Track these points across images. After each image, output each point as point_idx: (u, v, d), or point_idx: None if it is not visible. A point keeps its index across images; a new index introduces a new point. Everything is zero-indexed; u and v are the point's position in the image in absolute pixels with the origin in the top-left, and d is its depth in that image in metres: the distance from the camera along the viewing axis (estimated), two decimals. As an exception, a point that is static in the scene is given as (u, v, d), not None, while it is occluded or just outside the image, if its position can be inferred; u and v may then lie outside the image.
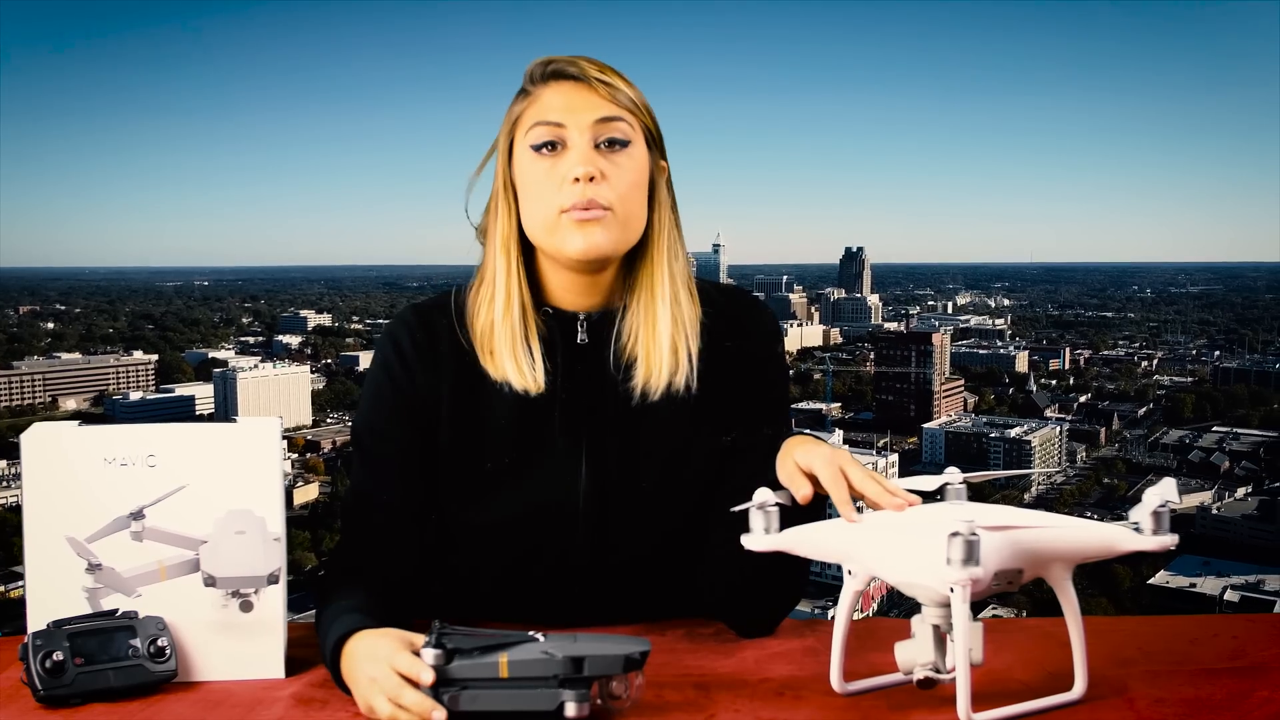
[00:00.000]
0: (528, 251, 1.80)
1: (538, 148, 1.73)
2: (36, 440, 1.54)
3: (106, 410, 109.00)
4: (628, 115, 1.75)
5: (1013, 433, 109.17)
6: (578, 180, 1.70)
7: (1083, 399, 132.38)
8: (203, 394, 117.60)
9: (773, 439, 1.73)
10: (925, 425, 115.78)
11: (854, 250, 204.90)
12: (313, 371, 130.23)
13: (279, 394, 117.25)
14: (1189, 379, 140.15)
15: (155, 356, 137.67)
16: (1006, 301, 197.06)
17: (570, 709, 1.33)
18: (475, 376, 1.79)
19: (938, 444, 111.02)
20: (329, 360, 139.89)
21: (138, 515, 1.54)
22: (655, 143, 1.80)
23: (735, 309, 1.86)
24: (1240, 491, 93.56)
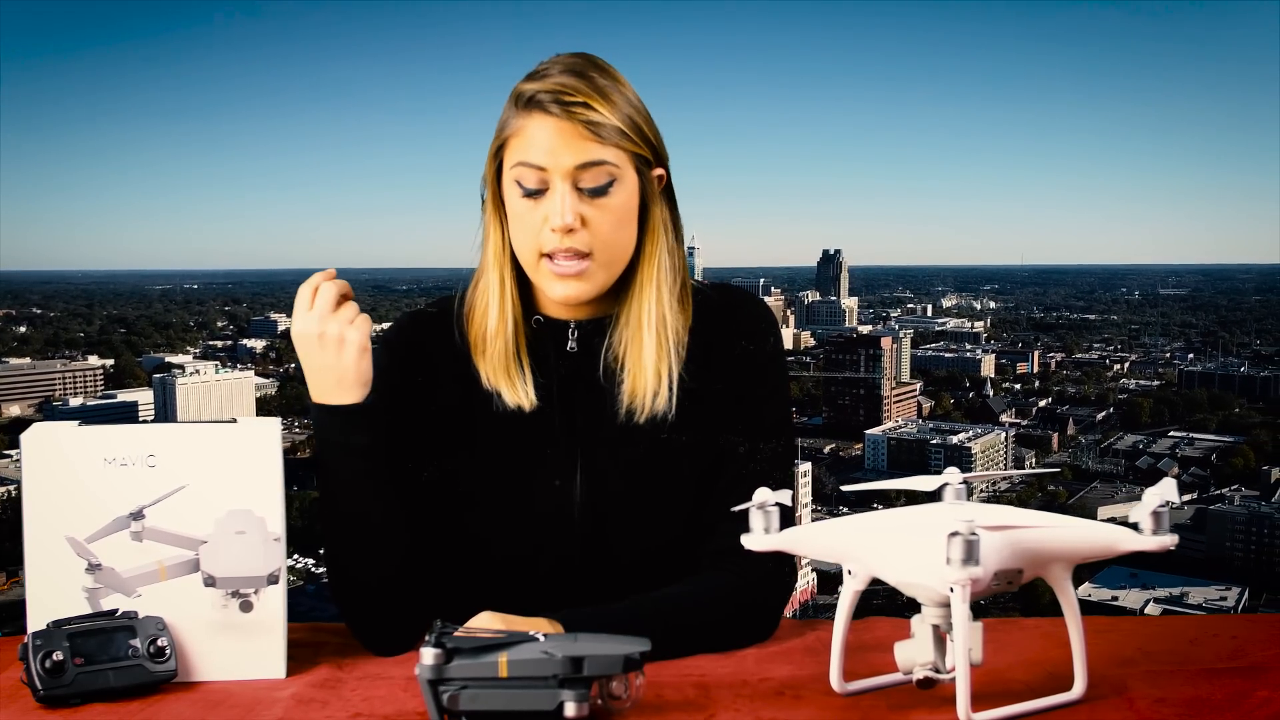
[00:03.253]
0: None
1: (519, 183, 1.72)
2: (36, 440, 1.54)
3: (46, 416, 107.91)
4: (613, 151, 1.70)
5: (955, 439, 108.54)
6: (556, 230, 1.69)
7: (1042, 403, 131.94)
8: (146, 400, 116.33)
9: (748, 453, 1.78)
10: (869, 431, 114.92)
11: (831, 253, 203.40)
12: (267, 376, 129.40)
13: (221, 399, 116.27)
14: (1154, 383, 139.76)
15: (109, 361, 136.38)
16: (993, 304, 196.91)
17: (570, 709, 1.33)
18: (469, 384, 1.79)
19: (880, 450, 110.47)
20: (292, 364, 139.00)
21: (138, 515, 1.54)
22: (650, 159, 1.77)
23: (729, 307, 1.86)
24: (1186, 498, 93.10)
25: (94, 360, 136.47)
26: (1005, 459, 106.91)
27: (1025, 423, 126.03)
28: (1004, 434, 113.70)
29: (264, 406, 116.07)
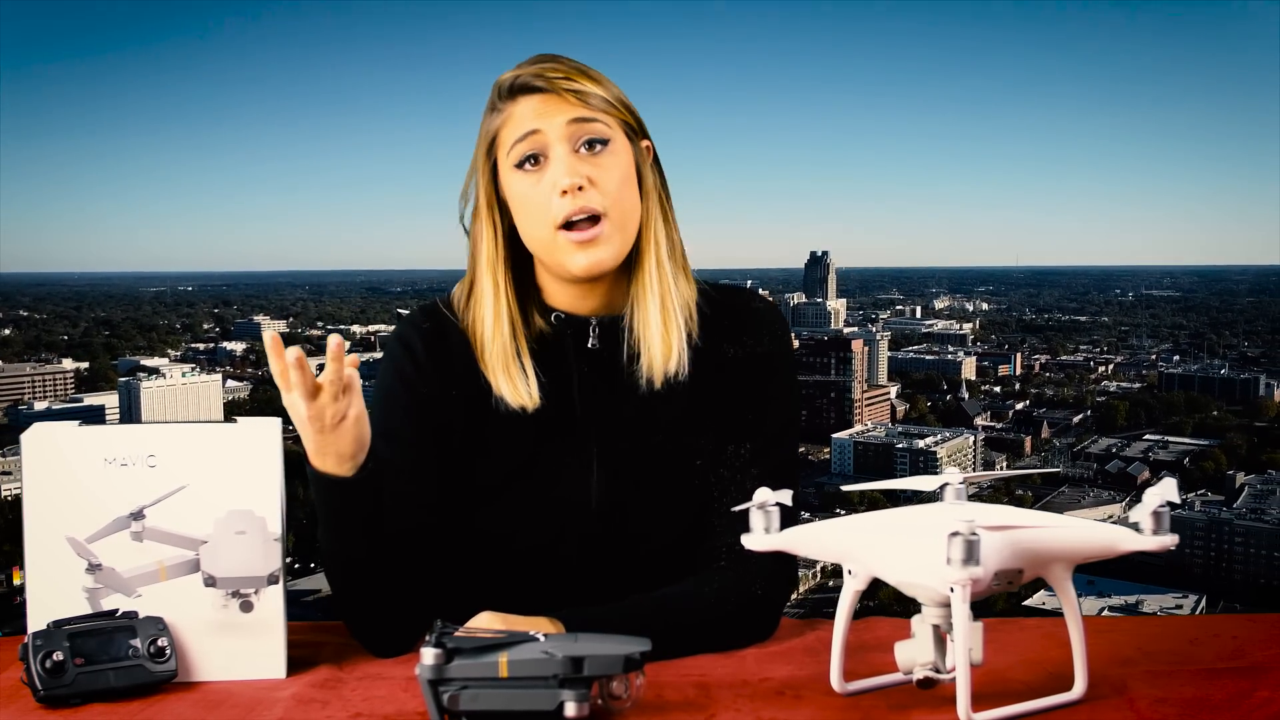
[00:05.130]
0: (520, 263, 1.81)
1: (521, 164, 1.73)
2: (36, 440, 1.54)
3: (10, 421, 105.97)
4: (601, 115, 1.73)
5: (921, 443, 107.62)
6: (566, 192, 1.69)
7: (1019, 406, 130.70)
8: (113, 404, 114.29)
9: (754, 451, 1.79)
10: (835, 435, 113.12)
11: (819, 254, 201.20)
12: (242, 379, 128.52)
13: (187, 403, 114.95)
14: (1136, 385, 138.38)
15: (84, 364, 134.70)
16: (985, 306, 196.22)
17: (570, 709, 1.33)
18: (485, 379, 1.79)
19: (846, 454, 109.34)
20: (268, 368, 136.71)
21: (138, 515, 1.54)
22: (636, 131, 1.79)
23: (738, 308, 1.86)
24: None
25: (68, 364, 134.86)
26: (974, 463, 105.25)
27: (1000, 426, 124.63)
28: (972, 438, 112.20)
29: (233, 410, 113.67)
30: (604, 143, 1.73)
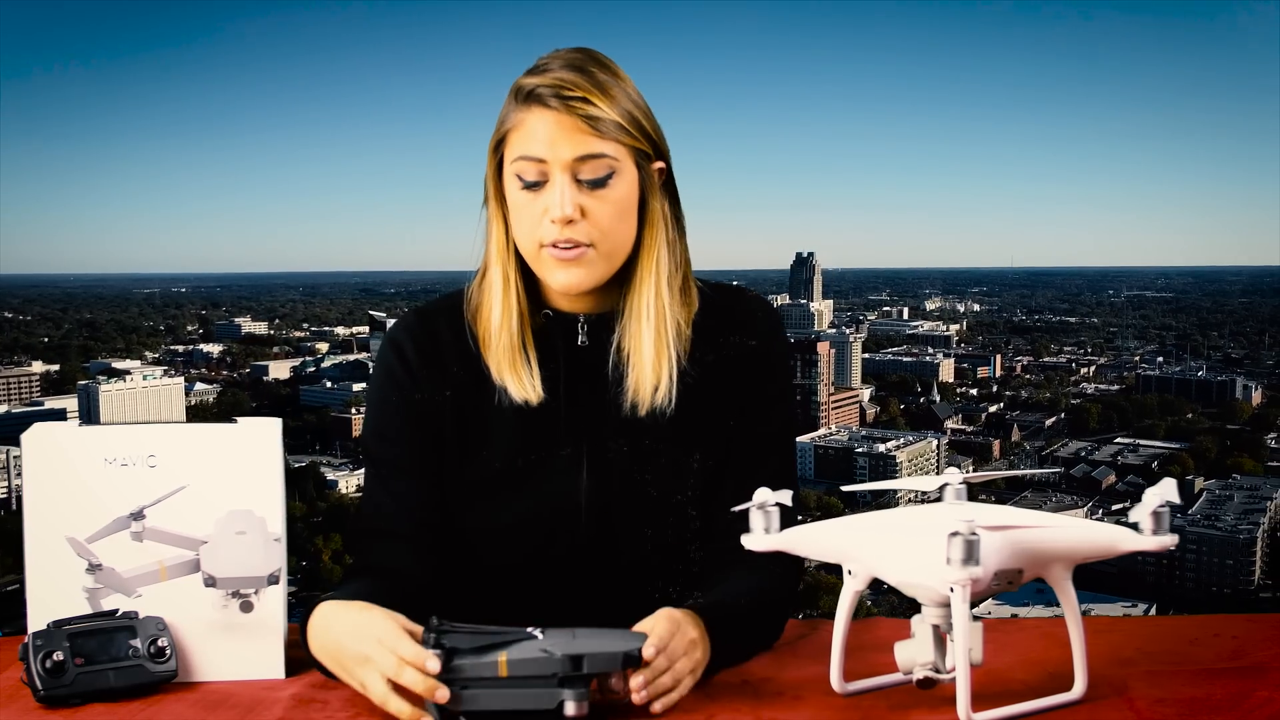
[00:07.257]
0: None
1: (520, 176, 1.72)
2: (37, 440, 1.54)
3: None
4: (612, 145, 1.70)
5: (881, 448, 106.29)
6: (556, 220, 1.69)
7: (993, 409, 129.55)
8: (74, 408, 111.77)
9: (758, 451, 1.81)
10: (797, 439, 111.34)
11: (804, 256, 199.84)
12: (211, 382, 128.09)
13: (148, 406, 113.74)
14: (1114, 387, 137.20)
15: (54, 367, 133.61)
16: (976, 307, 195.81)
17: (570, 708, 1.33)
18: (478, 380, 1.79)
19: (807, 459, 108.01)
20: (247, 369, 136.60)
21: (138, 515, 1.54)
22: (649, 153, 1.77)
23: (733, 307, 1.86)
24: (1116, 508, 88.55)
25: (37, 366, 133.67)
26: (938, 468, 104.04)
27: (971, 429, 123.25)
28: (936, 442, 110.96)
29: (197, 414, 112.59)
30: (608, 177, 1.71)
